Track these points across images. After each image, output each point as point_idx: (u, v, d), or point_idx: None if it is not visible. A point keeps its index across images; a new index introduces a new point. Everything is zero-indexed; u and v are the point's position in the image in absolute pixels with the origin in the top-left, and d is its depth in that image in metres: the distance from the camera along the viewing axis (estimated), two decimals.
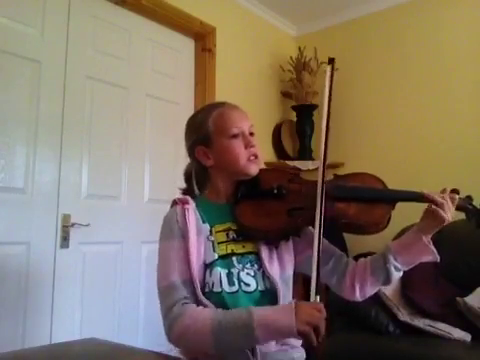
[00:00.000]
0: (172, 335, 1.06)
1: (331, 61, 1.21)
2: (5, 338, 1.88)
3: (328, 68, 1.21)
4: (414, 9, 3.06)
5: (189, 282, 1.10)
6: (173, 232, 1.16)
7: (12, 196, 1.98)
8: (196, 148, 1.25)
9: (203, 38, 2.87)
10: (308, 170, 3.15)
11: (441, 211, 1.10)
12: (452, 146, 2.83)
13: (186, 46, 2.86)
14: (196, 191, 1.27)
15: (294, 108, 3.36)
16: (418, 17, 3.04)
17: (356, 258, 1.28)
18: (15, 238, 1.97)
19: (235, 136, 1.21)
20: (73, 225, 2.14)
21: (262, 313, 1.01)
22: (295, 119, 3.39)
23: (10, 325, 1.91)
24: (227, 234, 1.19)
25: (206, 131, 1.23)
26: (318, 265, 1.01)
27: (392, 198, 1.18)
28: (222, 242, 1.18)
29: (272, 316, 1.00)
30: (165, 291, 1.11)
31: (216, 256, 1.15)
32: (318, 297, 0.98)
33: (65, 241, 2.12)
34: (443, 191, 1.15)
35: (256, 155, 1.22)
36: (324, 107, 1.17)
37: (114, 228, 2.33)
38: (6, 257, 1.94)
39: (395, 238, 1.97)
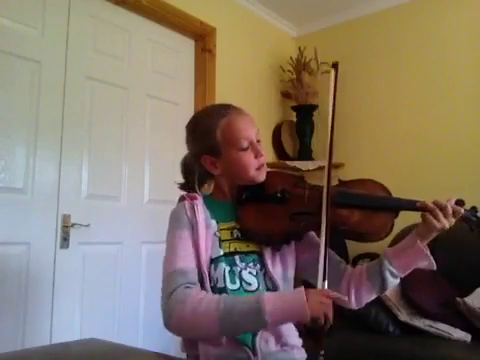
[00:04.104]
0: (172, 320, 1.03)
1: (335, 66, 1.21)
2: (5, 338, 1.88)
3: (332, 72, 1.21)
4: (414, 9, 3.05)
5: (196, 271, 1.10)
6: (182, 223, 1.16)
7: (12, 196, 1.98)
8: (202, 156, 1.24)
9: (203, 38, 2.87)
10: (308, 170, 3.15)
11: (432, 218, 1.10)
12: (453, 147, 2.83)
13: (186, 46, 2.86)
14: (197, 192, 1.27)
15: (294, 108, 3.36)
16: (418, 17, 3.04)
17: (356, 259, 1.27)
18: (15, 238, 1.97)
19: (245, 148, 1.20)
20: (73, 225, 2.14)
21: (271, 294, 1.05)
22: (295, 119, 3.39)
23: (10, 325, 1.91)
24: (232, 232, 1.21)
25: (214, 142, 1.21)
26: (325, 252, 1.01)
27: (394, 207, 1.16)
28: (226, 240, 1.19)
29: (282, 297, 1.03)
30: (169, 277, 1.09)
31: (221, 252, 1.16)
32: (326, 282, 1.00)
33: (65, 241, 2.12)
34: (448, 201, 1.13)
35: (264, 164, 1.23)
36: (329, 112, 1.17)
37: (114, 228, 2.33)
38: (6, 257, 1.94)
39: (394, 239, 1.97)
